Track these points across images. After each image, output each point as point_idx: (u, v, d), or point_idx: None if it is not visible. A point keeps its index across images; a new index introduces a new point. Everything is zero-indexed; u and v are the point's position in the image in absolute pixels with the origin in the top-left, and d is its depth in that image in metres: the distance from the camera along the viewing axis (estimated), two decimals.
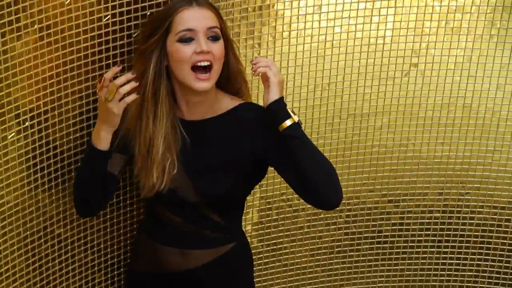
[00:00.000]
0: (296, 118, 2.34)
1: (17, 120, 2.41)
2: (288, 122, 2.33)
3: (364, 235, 3.22)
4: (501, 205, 3.17)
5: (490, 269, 3.27)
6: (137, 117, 2.42)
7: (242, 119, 2.44)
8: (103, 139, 2.40)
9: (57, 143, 2.55)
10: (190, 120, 2.46)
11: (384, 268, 3.29)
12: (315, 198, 2.37)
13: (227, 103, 2.47)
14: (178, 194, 2.47)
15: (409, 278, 3.31)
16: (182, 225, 2.52)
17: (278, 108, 2.33)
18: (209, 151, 2.45)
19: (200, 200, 2.46)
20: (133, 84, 2.32)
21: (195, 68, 2.34)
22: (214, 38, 2.35)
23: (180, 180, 2.45)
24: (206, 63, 2.34)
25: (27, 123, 2.44)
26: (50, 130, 2.52)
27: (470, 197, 3.16)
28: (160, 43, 2.36)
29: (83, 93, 2.56)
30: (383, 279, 3.31)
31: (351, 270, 3.28)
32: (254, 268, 3.10)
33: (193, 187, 2.45)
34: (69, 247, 2.72)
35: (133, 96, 2.33)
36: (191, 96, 2.41)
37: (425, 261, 3.27)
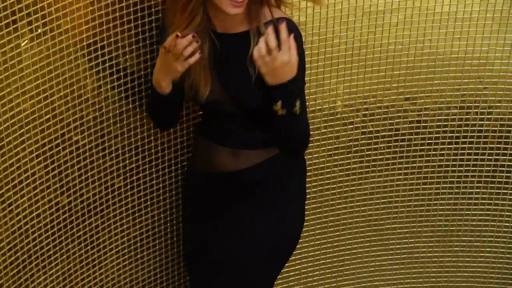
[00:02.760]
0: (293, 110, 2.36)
1: (29, 27, 2.39)
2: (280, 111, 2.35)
3: (381, 133, 3.21)
4: None
5: (508, 163, 3.27)
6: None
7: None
8: (165, 87, 2.47)
9: (71, 49, 2.53)
10: (221, 33, 2.45)
11: (401, 166, 3.29)
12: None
13: (260, 15, 2.41)
14: (217, 105, 2.50)
15: (427, 175, 3.32)
16: (233, 127, 2.57)
17: (277, 94, 2.34)
18: (240, 64, 2.43)
19: (237, 111, 2.49)
20: (195, 46, 2.32)
21: None
22: None
23: (217, 91, 2.47)
24: None
25: (39, 30, 2.42)
26: (63, 37, 2.49)
27: (488, 92, 3.14)
28: None
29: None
30: (401, 177, 3.31)
31: (368, 169, 3.29)
32: None
33: (229, 99, 2.47)
34: (87, 154, 2.73)
35: (196, 57, 2.34)
36: (224, 15, 2.38)
37: (442, 157, 3.27)
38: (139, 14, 2.65)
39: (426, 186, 3.33)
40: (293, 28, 2.39)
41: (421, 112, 3.18)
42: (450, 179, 3.32)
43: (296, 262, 3.40)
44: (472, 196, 3.35)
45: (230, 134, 2.59)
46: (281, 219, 2.68)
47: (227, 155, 2.60)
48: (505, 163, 3.27)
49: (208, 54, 2.44)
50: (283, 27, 2.23)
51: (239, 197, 2.65)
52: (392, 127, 3.20)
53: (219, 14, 2.40)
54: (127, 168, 2.87)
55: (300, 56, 2.34)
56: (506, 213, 3.37)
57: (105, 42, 2.61)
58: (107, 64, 2.65)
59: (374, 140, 3.22)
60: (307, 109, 3.04)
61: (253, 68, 2.41)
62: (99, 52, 2.61)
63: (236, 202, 2.65)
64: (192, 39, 2.32)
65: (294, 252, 3.03)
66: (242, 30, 2.45)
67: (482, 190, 3.34)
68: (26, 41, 2.40)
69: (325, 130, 3.17)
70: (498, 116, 3.18)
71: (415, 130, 3.21)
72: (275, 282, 3.06)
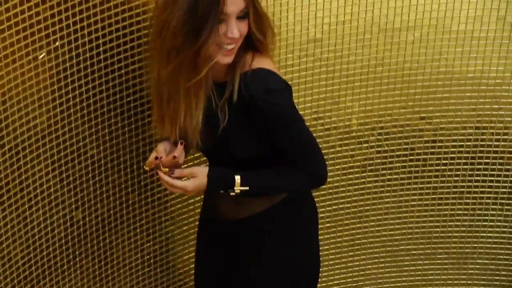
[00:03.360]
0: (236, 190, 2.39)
1: (47, 40, 2.40)
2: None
3: (396, 153, 3.20)
4: None
5: None
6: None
7: (246, 90, 2.30)
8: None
9: (88, 63, 2.54)
10: (213, 81, 2.36)
11: (416, 186, 3.28)
12: None
13: (246, 65, 2.33)
14: (211, 153, 2.49)
15: (442, 196, 3.30)
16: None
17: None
18: (223, 117, 2.35)
19: (232, 161, 2.42)
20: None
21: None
22: (242, 18, 2.25)
23: (208, 141, 2.40)
24: (232, 46, 2.26)
25: (57, 43, 2.43)
26: (80, 50, 2.50)
27: (503, 112, 3.12)
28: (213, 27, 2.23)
29: (112, 19, 2.53)
30: (415, 197, 3.30)
31: (383, 189, 3.27)
32: None
33: (222, 149, 2.41)
34: (102, 168, 2.73)
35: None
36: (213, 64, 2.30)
37: (458, 178, 3.25)
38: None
39: (441, 206, 3.32)
40: (255, 89, 2.29)
41: (437, 132, 3.17)
42: (465, 200, 3.30)
43: None
44: (487, 217, 3.33)
45: None
46: (286, 265, 2.58)
47: (230, 203, 2.53)
48: None
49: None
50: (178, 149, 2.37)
51: (243, 244, 2.57)
52: (408, 146, 3.19)
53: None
54: (142, 183, 2.87)
55: (276, 115, 2.31)
56: None
57: (121, 56, 2.61)
58: (123, 78, 2.65)
59: (389, 159, 3.21)
60: (323, 127, 3.05)
61: (223, 117, 2.34)
62: (115, 66, 2.62)
63: (241, 249, 2.58)
64: (180, 146, 2.37)
65: None
66: (225, 80, 2.36)
67: (498, 212, 3.32)
68: (44, 54, 2.41)
69: (340, 148, 3.16)
70: None
71: (431, 150, 3.20)
72: None
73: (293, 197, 2.54)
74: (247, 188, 2.39)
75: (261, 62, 2.33)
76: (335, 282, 3.41)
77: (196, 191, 2.40)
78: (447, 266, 3.44)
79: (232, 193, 2.40)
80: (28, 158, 2.48)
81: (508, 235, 3.36)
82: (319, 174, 2.44)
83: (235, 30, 2.22)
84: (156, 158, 2.38)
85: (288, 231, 2.57)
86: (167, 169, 2.38)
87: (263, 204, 2.51)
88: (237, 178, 2.38)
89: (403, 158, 3.21)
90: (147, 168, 2.43)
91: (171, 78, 2.27)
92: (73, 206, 2.69)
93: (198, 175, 2.38)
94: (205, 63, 2.22)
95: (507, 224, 3.33)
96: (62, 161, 2.60)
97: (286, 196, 2.52)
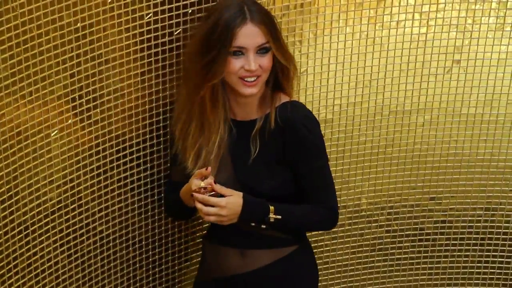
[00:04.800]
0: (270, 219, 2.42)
1: (60, 118, 2.43)
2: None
3: (405, 232, 3.19)
4: None
5: None
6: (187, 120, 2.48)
7: (277, 122, 2.43)
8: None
9: (100, 140, 2.57)
10: (239, 120, 2.48)
11: (426, 266, 3.26)
12: None
13: (279, 99, 2.47)
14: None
15: (451, 277, 3.28)
16: (243, 224, 2.49)
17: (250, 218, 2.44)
18: (255, 148, 2.45)
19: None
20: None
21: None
22: (263, 52, 2.37)
23: (228, 178, 2.47)
24: (253, 79, 2.38)
25: (70, 121, 2.46)
26: (92, 128, 2.53)
27: None
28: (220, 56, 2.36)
29: (125, 91, 2.57)
30: (425, 277, 3.28)
31: (392, 268, 3.26)
32: None
33: (239, 185, 2.45)
34: (111, 244, 2.74)
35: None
36: (240, 97, 2.44)
37: (467, 259, 3.24)
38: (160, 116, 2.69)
39: (451, 287, 3.29)
40: (296, 114, 2.44)
41: (446, 212, 3.17)
42: (475, 281, 3.28)
43: None
44: None
45: (238, 233, 2.52)
46: None
47: (235, 256, 2.54)
48: None
49: (225, 143, 2.47)
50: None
51: None
52: (417, 226, 3.19)
53: (239, 99, 2.45)
54: (150, 260, 2.87)
55: (309, 142, 2.43)
56: None
57: (133, 134, 2.65)
58: (134, 156, 2.68)
59: (398, 239, 3.21)
60: None
61: (254, 147, 2.44)
62: (127, 144, 2.65)
63: None
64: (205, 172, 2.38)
65: None
66: (257, 117, 2.48)
67: None
68: (56, 131, 2.44)
69: (349, 227, 3.16)
70: None
71: (440, 230, 3.20)
72: None
73: (300, 251, 2.56)
74: (280, 217, 2.41)
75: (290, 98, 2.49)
76: None
77: (230, 212, 2.37)
78: None
79: (263, 224, 2.42)
80: (36, 234, 2.49)
81: None
82: (334, 209, 2.52)
83: (253, 63, 2.34)
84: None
85: (296, 284, 2.58)
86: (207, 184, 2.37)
87: (269, 257, 2.52)
88: (271, 206, 2.41)
89: (412, 238, 3.21)
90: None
91: (189, 101, 2.44)
92: (80, 282, 2.69)
93: (234, 194, 2.39)
94: (205, 83, 2.37)
95: None
96: (71, 237, 2.61)
97: (294, 250, 2.54)
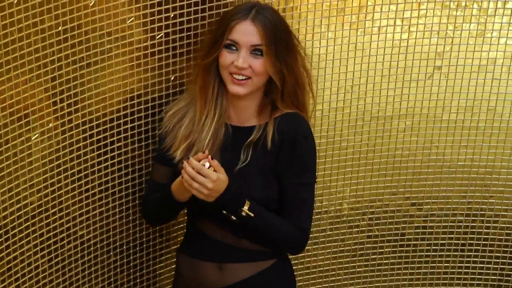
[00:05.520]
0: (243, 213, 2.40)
1: (41, 122, 2.43)
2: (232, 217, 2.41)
3: (387, 238, 3.20)
4: None
5: None
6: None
7: (276, 131, 2.44)
8: (187, 197, 2.46)
9: (80, 144, 2.56)
10: (234, 125, 2.49)
11: (407, 271, 3.27)
12: None
13: (278, 110, 2.48)
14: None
15: (432, 282, 3.29)
16: (221, 235, 2.50)
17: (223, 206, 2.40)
18: (245, 157, 2.46)
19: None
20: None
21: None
22: (257, 54, 2.39)
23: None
24: (241, 77, 2.39)
25: (51, 124, 2.46)
26: (73, 132, 2.53)
27: (494, 201, 3.14)
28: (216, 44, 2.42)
29: (107, 95, 2.57)
30: (406, 282, 3.29)
31: (373, 273, 3.27)
32: None
33: None
34: (91, 248, 2.73)
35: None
36: (234, 100, 2.46)
37: (448, 264, 3.25)
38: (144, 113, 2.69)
39: None
40: (300, 126, 2.47)
41: (427, 218, 3.18)
42: (455, 286, 3.30)
43: None
44: None
45: (215, 246, 2.51)
46: None
47: (212, 270, 2.52)
48: (511, 272, 3.25)
49: (219, 142, 2.48)
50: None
51: None
52: (398, 231, 3.20)
53: (233, 102, 2.46)
54: (131, 264, 2.87)
55: (304, 156, 2.44)
56: None
57: (114, 138, 2.64)
58: (116, 160, 2.68)
59: (379, 244, 3.21)
60: (314, 211, 3.05)
61: (245, 155, 2.45)
62: (108, 148, 2.64)
63: None
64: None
65: None
66: (253, 124, 2.48)
67: None
68: (37, 134, 2.43)
69: (331, 232, 3.17)
70: (504, 225, 3.17)
71: (421, 236, 3.21)
72: None
73: (279, 265, 2.55)
74: (252, 214, 2.40)
75: (291, 109, 2.50)
76: None
77: (214, 189, 2.33)
78: None
79: (234, 216, 2.39)
80: (17, 238, 2.48)
81: None
82: (305, 232, 2.50)
83: (241, 59, 2.37)
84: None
85: None
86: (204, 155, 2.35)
87: (248, 271, 2.51)
88: (248, 201, 2.40)
89: (393, 243, 3.22)
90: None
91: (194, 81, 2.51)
92: (61, 286, 2.67)
93: (222, 175, 2.36)
94: (204, 59, 2.43)
95: None
96: (51, 241, 2.60)
97: (272, 264, 2.53)
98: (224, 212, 2.40)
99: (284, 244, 2.51)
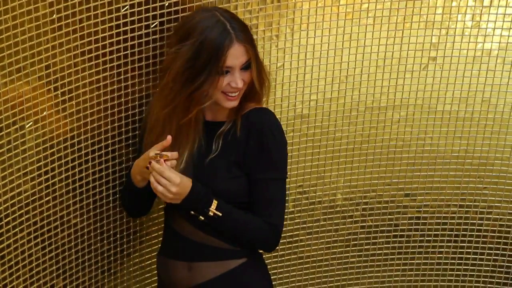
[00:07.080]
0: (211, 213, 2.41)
1: (35, 110, 2.42)
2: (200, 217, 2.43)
3: (380, 228, 3.21)
4: None
5: (507, 264, 3.26)
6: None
7: (244, 125, 2.46)
8: (140, 181, 2.49)
9: (75, 132, 2.56)
10: (208, 120, 2.50)
11: (400, 262, 3.28)
12: None
13: (247, 107, 2.48)
14: None
15: (425, 273, 3.30)
16: (192, 233, 2.51)
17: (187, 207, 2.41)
18: (216, 147, 2.47)
19: None
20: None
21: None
22: (246, 68, 2.40)
23: (185, 171, 2.44)
24: (236, 94, 2.41)
25: (45, 113, 2.45)
26: (68, 120, 2.52)
27: (487, 192, 3.15)
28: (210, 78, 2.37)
29: (101, 83, 2.57)
30: (399, 273, 3.30)
31: (367, 264, 3.28)
32: (270, 261, 3.12)
33: (202, 180, 2.44)
34: (85, 237, 2.73)
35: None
36: (218, 107, 2.46)
37: (441, 255, 3.26)
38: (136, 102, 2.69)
39: (424, 283, 3.31)
40: (267, 120, 2.46)
41: (421, 209, 3.18)
42: (448, 277, 3.31)
43: None
44: None
45: (186, 244, 2.52)
46: None
47: (183, 270, 2.53)
48: (504, 264, 3.26)
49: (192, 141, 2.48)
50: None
51: None
52: (392, 222, 3.20)
53: (214, 106, 2.46)
54: (125, 253, 2.87)
55: (272, 150, 2.44)
56: None
57: (109, 126, 2.64)
58: (110, 148, 2.68)
59: (373, 235, 3.22)
60: (308, 201, 3.07)
61: (216, 146, 2.46)
62: (102, 136, 2.64)
63: None
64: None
65: None
66: (225, 120, 2.50)
67: None
68: (31, 123, 2.43)
69: (324, 222, 3.17)
70: (498, 216, 3.18)
71: (415, 227, 3.21)
72: None
73: (249, 264, 2.54)
74: (220, 214, 2.41)
75: (259, 105, 2.52)
76: None
77: (179, 192, 2.34)
78: None
79: (201, 216, 2.41)
80: (10, 226, 2.48)
81: None
82: (277, 228, 2.48)
83: (239, 80, 2.38)
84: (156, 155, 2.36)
85: None
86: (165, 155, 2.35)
87: (217, 270, 2.51)
88: (215, 201, 2.41)
89: (387, 234, 3.22)
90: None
91: (168, 118, 2.42)
92: (54, 274, 2.68)
93: (186, 178, 2.37)
94: (196, 107, 2.38)
95: None
96: (45, 229, 2.59)
97: (242, 263, 2.52)
98: (192, 212, 2.42)
99: (255, 241, 2.50)
